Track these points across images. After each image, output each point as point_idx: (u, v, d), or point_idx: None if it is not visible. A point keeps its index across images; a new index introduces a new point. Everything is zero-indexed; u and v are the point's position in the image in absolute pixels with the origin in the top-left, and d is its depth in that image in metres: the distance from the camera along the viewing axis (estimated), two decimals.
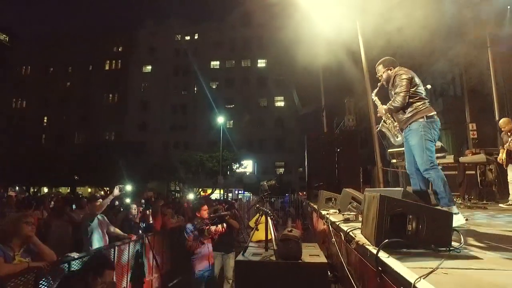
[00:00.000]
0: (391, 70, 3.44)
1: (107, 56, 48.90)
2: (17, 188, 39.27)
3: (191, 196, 14.25)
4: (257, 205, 3.33)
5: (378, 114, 3.70)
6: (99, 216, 4.14)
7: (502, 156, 5.60)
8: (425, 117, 3.12)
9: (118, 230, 4.36)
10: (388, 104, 3.39)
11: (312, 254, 3.25)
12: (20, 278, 2.34)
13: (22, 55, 49.79)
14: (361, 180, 9.39)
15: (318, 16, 9.33)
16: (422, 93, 3.26)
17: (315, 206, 5.31)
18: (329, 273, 3.04)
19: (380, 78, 3.61)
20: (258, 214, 3.31)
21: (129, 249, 4.18)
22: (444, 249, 1.62)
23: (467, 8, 9.05)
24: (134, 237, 4.38)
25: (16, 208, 7.48)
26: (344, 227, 2.60)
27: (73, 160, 33.24)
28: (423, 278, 1.14)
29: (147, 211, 5.30)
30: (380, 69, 3.58)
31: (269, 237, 3.20)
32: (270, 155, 41.11)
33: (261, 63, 45.34)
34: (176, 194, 34.96)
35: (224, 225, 4.26)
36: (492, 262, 1.51)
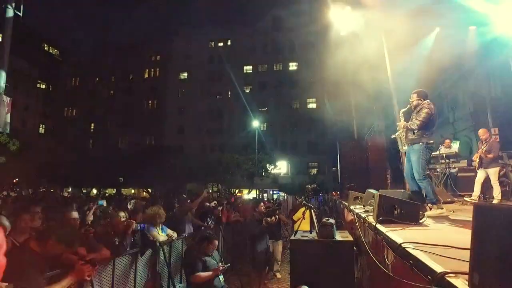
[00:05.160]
0: (421, 100, 4.54)
1: (146, 65, 51.87)
2: (70, 189, 42.74)
3: (245, 197, 16.04)
4: (303, 202, 4.76)
5: (397, 127, 4.97)
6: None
7: (476, 160, 6.74)
8: (425, 143, 4.33)
9: (199, 221, 5.99)
10: (407, 123, 4.62)
11: (343, 236, 4.61)
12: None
13: (71, 68, 54.20)
14: (389, 182, 10.49)
15: (346, 25, 10.36)
16: (433, 126, 4.43)
17: (346, 203, 6.66)
18: (354, 248, 4.41)
19: (411, 103, 4.69)
20: (304, 208, 4.74)
21: None
22: (413, 223, 2.99)
23: None
24: (211, 226, 6.01)
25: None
26: (363, 214, 3.99)
27: (118, 163, 35.58)
28: (391, 231, 2.53)
29: (219, 208, 6.89)
30: (414, 96, 4.66)
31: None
32: (304, 156, 41.92)
33: (293, 66, 46.31)
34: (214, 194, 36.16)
35: (277, 217, 5.73)
36: (434, 228, 2.88)
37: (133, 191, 42.31)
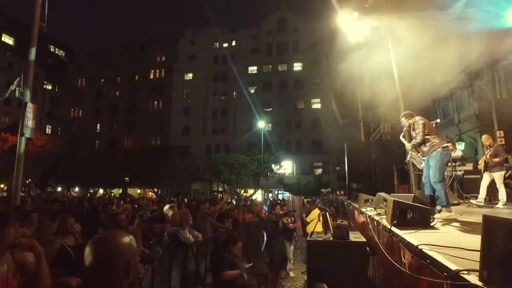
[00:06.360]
0: (411, 119, 4.98)
1: (152, 65, 52.26)
2: (76, 189, 43.20)
3: (259, 199, 16.57)
4: (319, 205, 5.08)
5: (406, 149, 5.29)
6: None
7: (481, 164, 7.02)
8: (441, 148, 4.69)
9: (218, 223, 6.32)
10: (411, 142, 5.00)
11: (356, 237, 4.92)
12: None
13: (77, 69, 54.72)
14: (395, 183, 10.76)
15: (352, 29, 10.59)
16: (434, 132, 4.80)
17: (356, 206, 6.95)
18: (367, 249, 4.72)
19: (403, 126, 5.14)
20: (318, 210, 5.05)
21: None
22: (425, 226, 3.29)
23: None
24: (230, 227, 6.34)
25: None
26: (376, 217, 4.30)
27: (124, 163, 36.06)
28: (407, 234, 2.84)
29: (236, 210, 7.24)
30: (403, 120, 5.14)
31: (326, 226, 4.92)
32: (308, 156, 42.13)
33: (297, 66, 46.56)
34: (219, 194, 36.59)
35: (292, 218, 6.06)
36: (444, 231, 3.19)
37: (139, 191, 42.71)
